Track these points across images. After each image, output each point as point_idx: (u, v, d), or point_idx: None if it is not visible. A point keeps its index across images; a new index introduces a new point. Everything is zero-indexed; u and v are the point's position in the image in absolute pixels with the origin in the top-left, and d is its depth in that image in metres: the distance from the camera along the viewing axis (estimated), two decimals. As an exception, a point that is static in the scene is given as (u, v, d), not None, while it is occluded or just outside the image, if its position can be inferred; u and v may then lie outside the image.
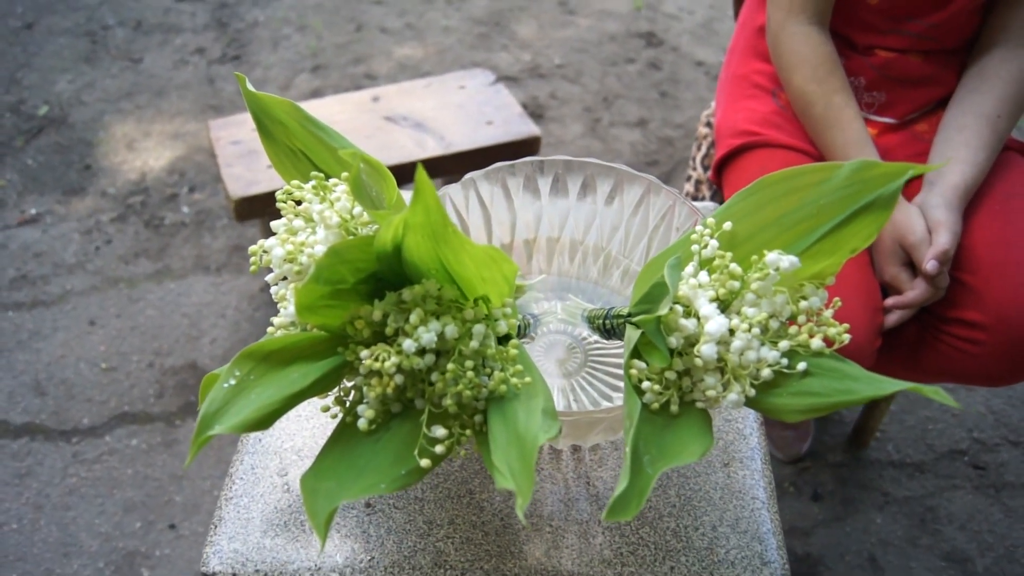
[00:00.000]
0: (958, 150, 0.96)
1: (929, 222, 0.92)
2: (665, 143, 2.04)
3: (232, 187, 1.27)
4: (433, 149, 1.36)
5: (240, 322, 1.58)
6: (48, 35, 2.43)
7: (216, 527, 0.62)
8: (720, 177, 1.12)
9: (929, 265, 0.88)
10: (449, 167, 1.36)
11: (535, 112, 2.14)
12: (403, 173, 1.34)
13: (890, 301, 0.94)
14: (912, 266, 0.94)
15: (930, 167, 0.43)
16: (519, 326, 0.65)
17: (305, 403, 0.71)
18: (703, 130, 1.25)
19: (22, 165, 1.97)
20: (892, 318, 0.95)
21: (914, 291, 0.92)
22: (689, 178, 1.27)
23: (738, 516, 0.64)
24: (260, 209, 1.28)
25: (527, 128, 1.40)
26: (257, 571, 0.59)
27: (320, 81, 2.22)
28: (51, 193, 1.89)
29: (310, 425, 0.70)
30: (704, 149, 1.23)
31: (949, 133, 0.98)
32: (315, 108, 1.46)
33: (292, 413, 0.70)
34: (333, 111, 1.45)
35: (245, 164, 1.32)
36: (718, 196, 1.20)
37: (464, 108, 1.44)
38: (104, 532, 1.27)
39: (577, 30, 2.47)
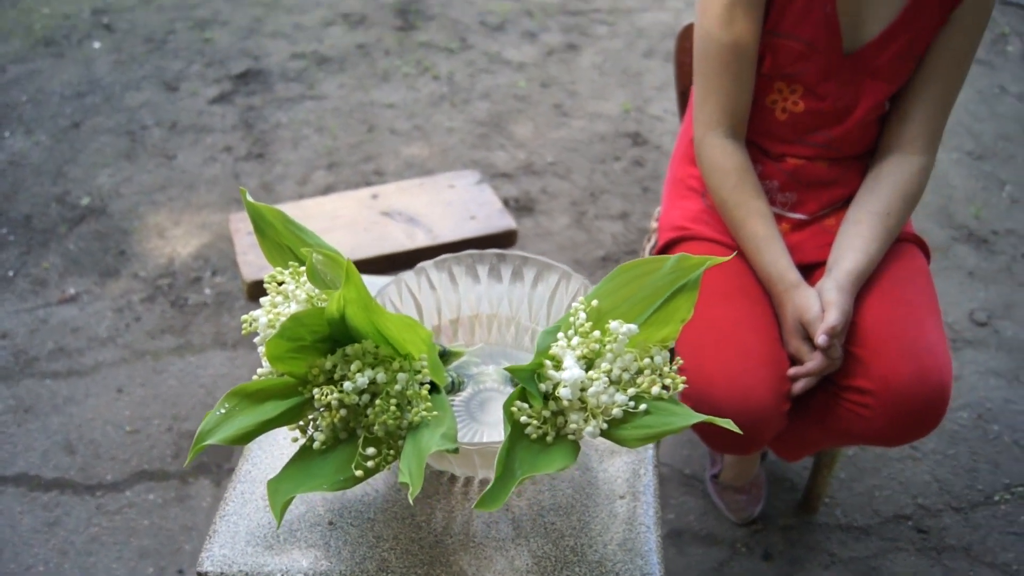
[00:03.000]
0: (853, 241, 1.14)
1: (823, 303, 1.08)
2: (644, 234, 2.23)
3: (246, 272, 1.47)
4: (422, 240, 1.56)
5: (251, 392, 1.76)
6: (93, 134, 2.70)
7: (211, 538, 0.79)
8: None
9: (820, 339, 1.05)
10: (435, 256, 1.55)
11: (526, 206, 2.35)
12: (396, 262, 1.53)
13: (791, 371, 1.10)
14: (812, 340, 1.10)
15: (718, 259, 0.61)
16: (453, 381, 0.82)
17: (286, 445, 0.88)
18: (653, 224, 1.44)
19: (64, 250, 2.20)
20: (798, 385, 1.11)
21: (812, 362, 1.08)
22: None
23: (627, 537, 0.79)
24: (269, 291, 1.47)
25: (505, 222, 1.59)
26: (240, 571, 0.76)
27: (334, 177, 2.46)
28: (89, 275, 2.11)
29: (291, 462, 0.86)
30: (652, 241, 1.42)
31: (847, 227, 1.16)
32: (324, 204, 1.67)
33: (275, 452, 0.88)
34: (338, 207, 1.65)
35: (258, 252, 1.52)
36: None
37: (452, 205, 1.65)
38: (121, 576, 1.42)
39: (570, 131, 2.70)
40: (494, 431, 0.84)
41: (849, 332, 1.11)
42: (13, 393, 1.77)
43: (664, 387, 0.67)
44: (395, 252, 1.53)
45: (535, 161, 2.54)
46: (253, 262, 1.50)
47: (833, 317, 1.05)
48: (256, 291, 1.46)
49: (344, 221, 1.60)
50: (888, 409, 1.06)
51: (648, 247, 1.43)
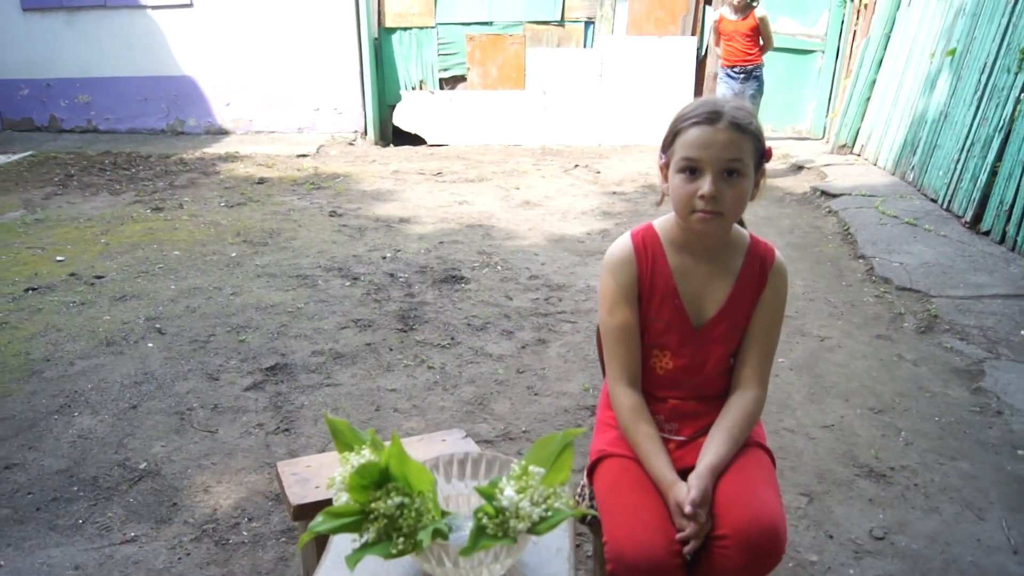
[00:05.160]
0: (710, 448, 1.71)
1: (690, 487, 1.63)
2: (599, 483, 2.76)
3: (292, 499, 2.00)
4: (421, 474, 2.10)
5: (280, 608, 2.18)
6: (148, 414, 3.30)
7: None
8: (591, 477, 1.85)
9: (687, 508, 1.58)
10: (432, 487, 2.09)
11: (504, 462, 2.90)
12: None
13: (678, 536, 1.61)
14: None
15: (578, 431, 1.19)
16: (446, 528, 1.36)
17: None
18: (589, 457, 2.01)
19: (125, 503, 2.70)
20: (687, 548, 1.61)
21: (689, 528, 1.60)
22: (578, 484, 2.00)
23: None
24: (310, 513, 1.98)
25: (483, 461, 2.16)
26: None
27: (347, 444, 3.02)
28: (146, 522, 2.59)
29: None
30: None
31: (708, 440, 1.74)
32: (346, 452, 2.23)
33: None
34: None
35: (300, 487, 2.06)
36: (589, 491, 1.91)
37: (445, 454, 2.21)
38: None
39: (540, 406, 3.33)
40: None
41: (712, 501, 1.63)
42: (87, 613, 2.19)
43: (561, 503, 1.22)
44: (402, 483, 2.07)
45: (512, 430, 3.14)
46: (297, 492, 2.03)
47: (694, 493, 1.60)
48: (300, 512, 1.98)
49: (363, 463, 2.15)
50: (739, 546, 1.56)
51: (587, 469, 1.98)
